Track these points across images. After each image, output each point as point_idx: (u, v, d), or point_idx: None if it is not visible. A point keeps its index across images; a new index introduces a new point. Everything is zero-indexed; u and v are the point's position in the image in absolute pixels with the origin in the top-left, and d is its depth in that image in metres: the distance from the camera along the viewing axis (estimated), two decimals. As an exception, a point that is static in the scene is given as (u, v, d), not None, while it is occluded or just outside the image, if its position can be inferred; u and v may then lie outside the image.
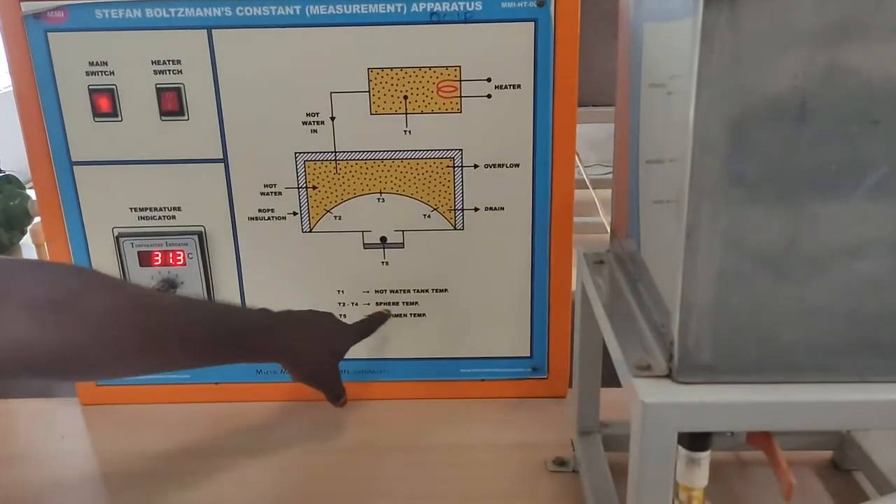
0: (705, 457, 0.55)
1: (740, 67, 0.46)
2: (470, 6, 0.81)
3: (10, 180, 1.47)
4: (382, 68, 0.84)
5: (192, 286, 0.92)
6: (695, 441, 0.55)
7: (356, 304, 0.94)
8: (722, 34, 0.46)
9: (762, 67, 0.46)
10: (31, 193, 1.47)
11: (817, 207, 0.48)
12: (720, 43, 0.46)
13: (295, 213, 0.90)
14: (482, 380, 0.97)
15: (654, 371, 0.53)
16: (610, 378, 0.61)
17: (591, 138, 1.96)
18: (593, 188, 1.64)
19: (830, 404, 0.51)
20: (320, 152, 0.87)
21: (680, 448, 0.55)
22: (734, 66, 0.46)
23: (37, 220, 1.43)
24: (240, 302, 0.93)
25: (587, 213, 1.55)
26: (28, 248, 1.46)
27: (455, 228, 0.90)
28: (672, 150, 0.52)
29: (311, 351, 0.81)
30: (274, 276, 0.92)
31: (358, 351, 0.93)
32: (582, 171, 1.58)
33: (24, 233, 1.50)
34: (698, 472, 0.56)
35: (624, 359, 0.55)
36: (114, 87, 0.85)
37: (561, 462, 0.84)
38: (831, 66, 0.46)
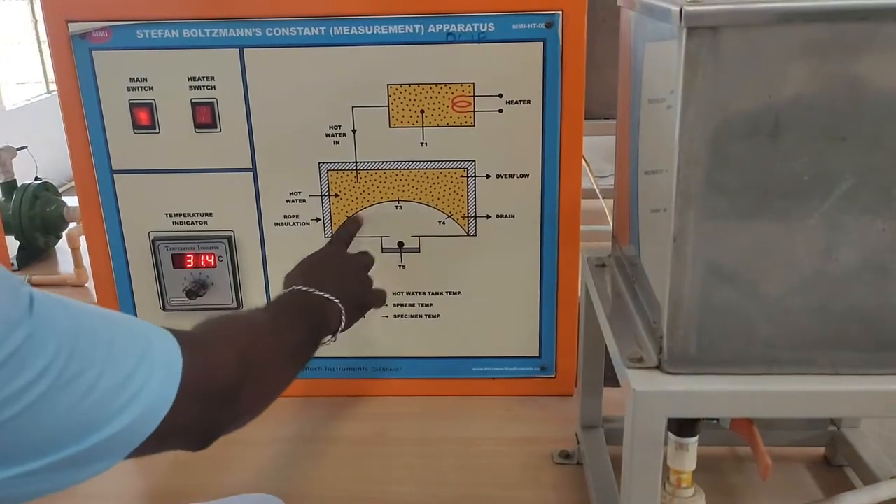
0: (693, 442, 0.60)
1: (720, 89, 0.51)
2: (483, 27, 0.87)
3: (48, 187, 1.54)
4: (401, 84, 0.90)
5: (221, 287, 0.98)
6: (683, 428, 0.60)
7: (375, 306, 0.99)
8: (704, 59, 0.51)
9: (739, 89, 0.51)
10: (67, 200, 1.54)
11: (791, 215, 0.54)
12: (702, 67, 0.51)
13: (318, 219, 0.96)
14: (493, 378, 1.02)
15: (645, 363, 0.58)
16: (614, 378, 0.65)
17: (607, 149, 2.00)
18: (606, 198, 1.68)
19: (806, 394, 0.56)
20: (342, 162, 0.93)
21: (670, 435, 0.61)
22: (714, 88, 0.51)
23: (72, 225, 1.50)
24: (265, 300, 0.99)
25: (598, 221, 1.59)
26: (63, 251, 1.53)
27: (468, 235, 0.96)
28: (663, 162, 0.57)
29: (343, 281, 0.83)
30: (298, 278, 0.98)
31: (376, 349, 0.99)
32: (592, 181, 1.62)
33: (59, 237, 1.57)
34: (687, 457, 0.61)
35: (619, 352, 0.61)
36: (152, 101, 0.91)
37: (566, 455, 0.89)
38: (801, 88, 0.51)
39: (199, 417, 0.56)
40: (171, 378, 0.52)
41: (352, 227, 0.94)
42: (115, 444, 0.49)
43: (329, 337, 0.78)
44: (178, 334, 0.56)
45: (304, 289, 0.77)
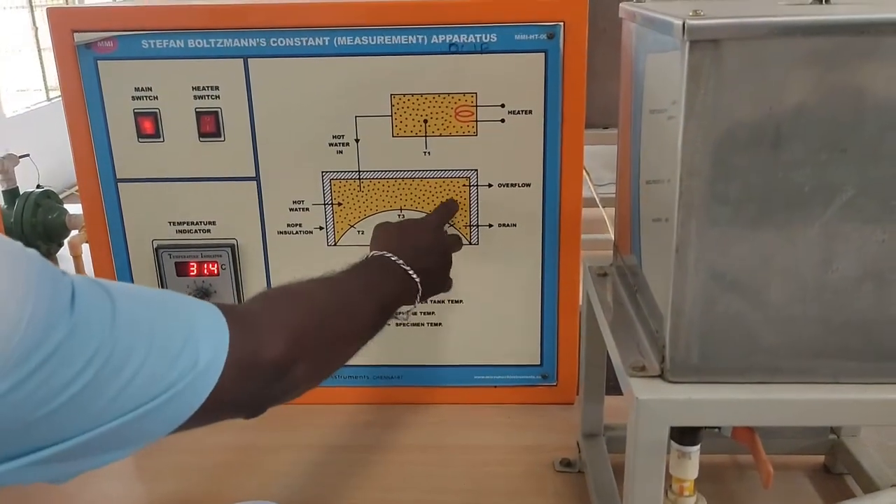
0: (695, 451, 0.61)
1: (722, 100, 0.52)
2: (486, 38, 0.88)
3: (49, 195, 1.55)
4: (404, 94, 0.90)
5: (224, 295, 0.99)
6: (685, 436, 0.60)
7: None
8: (706, 72, 0.52)
9: (741, 101, 0.52)
10: (68, 208, 1.55)
11: (792, 225, 0.54)
12: (704, 79, 0.52)
13: (321, 228, 0.96)
14: (494, 386, 1.02)
15: (648, 371, 0.59)
16: (616, 387, 0.66)
17: (606, 158, 2.01)
18: (607, 207, 1.69)
19: (806, 402, 0.57)
20: (345, 171, 0.94)
21: (672, 443, 0.61)
22: (716, 100, 0.52)
23: (74, 232, 1.51)
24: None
25: (598, 230, 1.60)
26: (65, 259, 1.53)
27: (470, 243, 0.96)
28: (665, 172, 0.58)
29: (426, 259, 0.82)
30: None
31: (378, 357, 1.00)
32: (592, 190, 1.63)
33: (61, 245, 1.58)
34: (689, 465, 0.61)
35: (622, 361, 0.61)
36: (157, 110, 0.92)
37: (567, 463, 0.89)
38: (802, 100, 0.52)
39: (248, 391, 0.56)
40: (218, 354, 0.52)
41: (452, 205, 0.93)
42: (162, 420, 0.50)
43: (404, 313, 0.77)
44: (226, 309, 0.56)
45: (392, 257, 0.76)
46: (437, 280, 0.84)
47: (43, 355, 0.43)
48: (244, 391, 0.56)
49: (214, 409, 0.52)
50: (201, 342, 0.52)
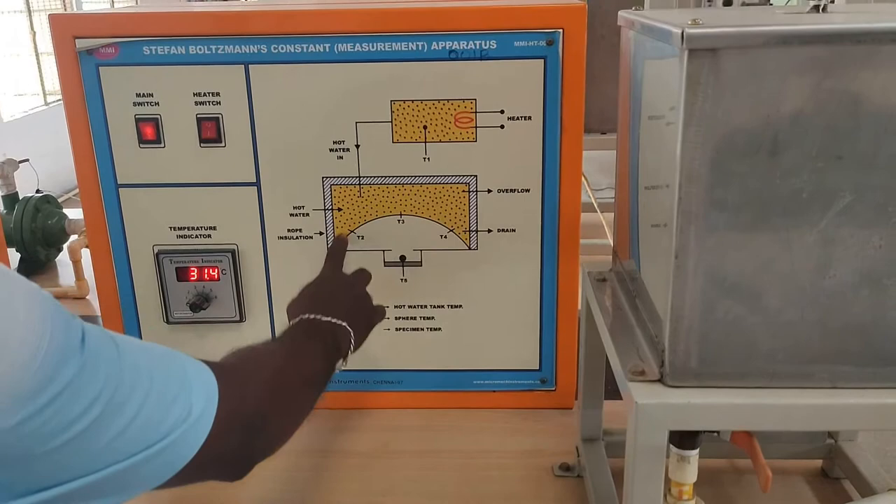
0: (694, 455, 0.61)
1: (720, 108, 0.53)
2: (485, 45, 0.88)
3: (49, 200, 1.55)
4: (404, 100, 0.91)
5: (224, 300, 0.99)
6: (684, 440, 0.61)
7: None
8: (704, 80, 0.52)
9: (739, 108, 0.53)
10: (67, 212, 1.55)
11: (790, 231, 0.55)
12: (703, 87, 0.52)
13: (321, 233, 0.97)
14: (493, 391, 1.03)
15: (647, 376, 0.59)
16: (614, 392, 0.66)
17: (603, 163, 2.02)
18: (605, 212, 1.70)
19: (805, 407, 0.57)
20: (346, 177, 0.94)
21: (672, 447, 0.62)
22: (715, 107, 0.53)
23: (73, 237, 1.50)
24: (268, 313, 1.00)
25: (596, 235, 1.60)
26: (64, 264, 1.53)
27: (470, 248, 0.97)
28: (664, 178, 0.58)
29: (346, 306, 0.83)
30: (301, 291, 0.99)
31: (377, 362, 1.00)
32: (591, 195, 1.64)
33: (60, 250, 1.57)
34: (688, 469, 0.62)
35: (621, 365, 0.62)
36: (158, 116, 0.92)
37: (566, 468, 0.90)
38: (799, 108, 0.52)
39: (236, 444, 0.58)
40: (209, 405, 0.54)
41: (339, 245, 0.93)
42: (155, 468, 0.51)
43: (340, 361, 0.78)
44: (211, 364, 0.58)
45: (312, 316, 0.77)
46: (365, 316, 0.85)
47: (55, 390, 0.44)
48: (231, 444, 0.57)
49: (204, 462, 0.54)
50: (193, 392, 0.54)
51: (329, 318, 0.77)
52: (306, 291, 0.84)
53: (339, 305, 0.80)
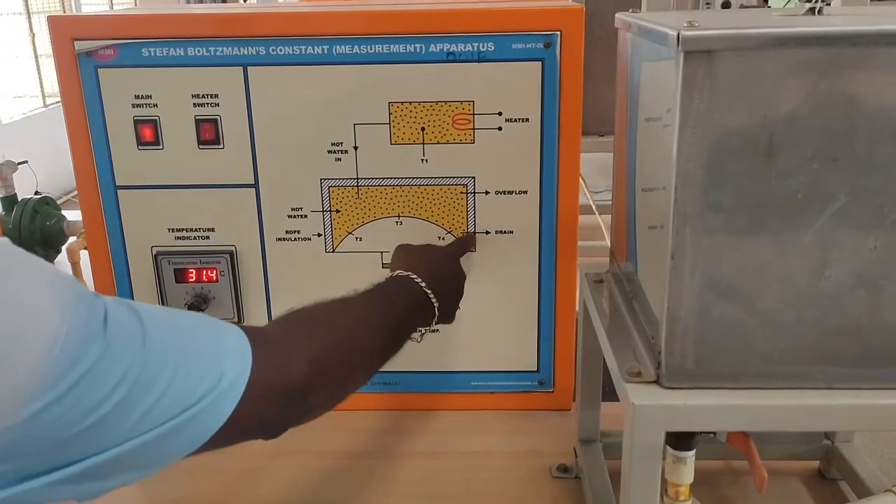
0: (690, 456, 0.61)
1: (716, 110, 0.53)
2: (483, 47, 0.89)
3: (47, 202, 1.55)
4: (402, 102, 0.91)
5: (223, 302, 0.99)
6: (680, 441, 0.61)
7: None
8: (700, 82, 0.52)
9: (735, 110, 0.53)
10: (66, 214, 1.55)
11: (786, 232, 0.55)
12: (698, 89, 0.53)
13: (319, 235, 0.97)
14: (491, 392, 1.03)
15: (643, 377, 0.60)
16: (612, 393, 0.66)
17: (602, 165, 2.02)
18: (603, 214, 1.70)
19: (800, 408, 0.57)
20: (344, 179, 0.95)
21: (668, 448, 0.62)
22: (710, 109, 0.53)
23: (72, 239, 1.51)
24: (266, 314, 1.00)
25: (595, 237, 1.60)
26: (63, 266, 1.53)
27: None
28: (660, 180, 0.59)
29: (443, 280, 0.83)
30: (299, 292, 0.98)
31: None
32: (588, 197, 1.64)
33: (58, 251, 1.57)
34: (684, 470, 0.62)
35: (618, 367, 0.62)
36: (157, 118, 0.93)
37: (564, 469, 0.90)
38: (795, 110, 0.53)
39: (268, 413, 0.57)
40: (241, 374, 0.54)
41: (470, 240, 0.94)
42: (186, 438, 0.51)
43: (418, 333, 0.78)
44: (250, 332, 0.57)
45: (413, 277, 0.77)
46: (451, 308, 0.85)
47: (78, 374, 0.44)
48: (264, 412, 0.57)
49: (235, 429, 0.53)
50: (226, 362, 0.53)
51: (427, 290, 0.77)
52: (420, 252, 0.84)
53: (443, 283, 0.80)
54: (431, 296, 0.78)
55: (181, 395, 0.50)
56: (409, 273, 0.78)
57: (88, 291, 0.48)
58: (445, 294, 0.80)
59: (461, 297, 0.88)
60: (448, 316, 0.85)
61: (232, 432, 0.53)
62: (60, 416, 0.44)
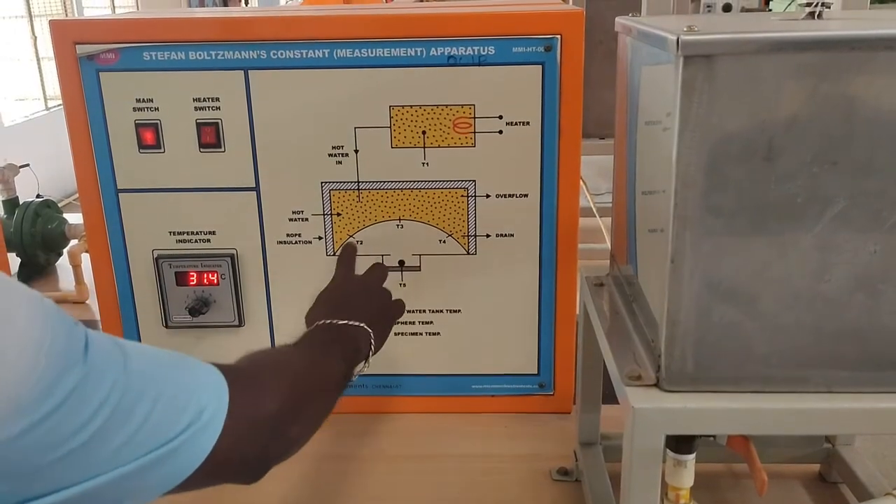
0: (690, 459, 0.61)
1: (715, 114, 0.53)
2: (484, 50, 0.89)
3: (49, 205, 1.55)
4: (403, 106, 0.91)
5: (223, 305, 0.99)
6: (680, 444, 0.61)
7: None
8: (699, 86, 0.53)
9: (734, 114, 0.53)
10: (67, 217, 1.55)
11: (785, 236, 0.55)
12: (698, 93, 0.53)
13: (320, 238, 0.97)
14: (492, 395, 1.03)
15: (644, 381, 0.60)
16: (612, 396, 0.66)
17: (602, 168, 2.02)
18: (603, 217, 1.70)
19: (800, 411, 0.57)
20: (344, 182, 0.95)
21: (668, 451, 0.62)
22: (710, 113, 0.53)
23: (73, 242, 1.51)
24: (267, 317, 1.00)
25: (596, 240, 1.60)
26: (64, 268, 1.53)
27: (468, 253, 0.97)
28: (660, 183, 0.59)
29: (367, 309, 0.82)
30: (300, 296, 0.98)
31: (376, 366, 1.00)
32: (589, 200, 1.64)
33: (60, 254, 1.58)
34: (685, 473, 0.62)
35: (618, 370, 0.62)
36: (158, 122, 0.93)
37: (564, 472, 0.90)
38: (794, 114, 0.53)
39: (249, 449, 0.57)
40: (219, 410, 0.53)
41: (348, 250, 0.91)
42: (164, 474, 0.51)
43: (362, 363, 0.77)
44: (223, 368, 0.57)
45: (330, 321, 0.76)
46: (384, 315, 0.84)
47: (57, 399, 0.44)
48: (244, 448, 0.57)
49: (216, 465, 0.53)
50: (203, 396, 0.53)
51: (346, 321, 0.76)
52: (321, 297, 0.83)
53: (355, 307, 0.79)
54: (352, 322, 0.77)
55: (161, 427, 0.50)
56: (323, 321, 0.77)
57: (68, 317, 0.47)
58: (362, 310, 0.79)
59: (379, 295, 0.86)
60: (386, 321, 0.85)
61: (213, 469, 0.53)
62: (39, 440, 0.43)
